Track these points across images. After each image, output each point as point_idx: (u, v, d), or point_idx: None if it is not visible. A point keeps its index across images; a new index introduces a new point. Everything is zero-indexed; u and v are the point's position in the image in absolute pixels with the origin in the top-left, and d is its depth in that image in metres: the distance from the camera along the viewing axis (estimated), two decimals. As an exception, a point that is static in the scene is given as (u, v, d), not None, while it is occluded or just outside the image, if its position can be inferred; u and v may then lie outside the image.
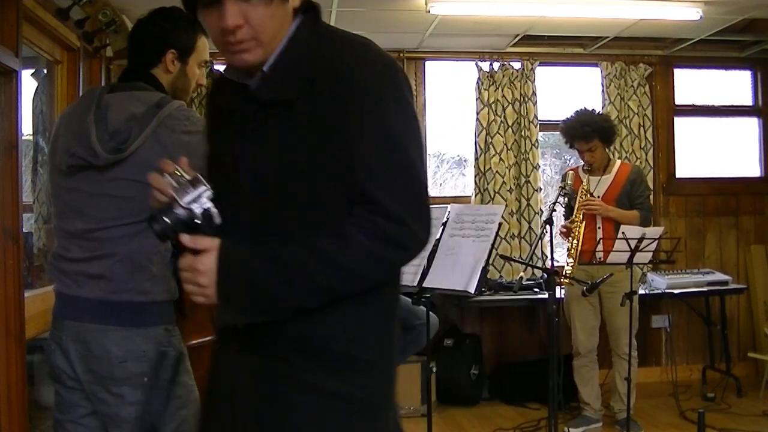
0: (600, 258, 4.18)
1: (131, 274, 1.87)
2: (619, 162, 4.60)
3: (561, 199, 4.07)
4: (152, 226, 1.26)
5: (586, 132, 4.32)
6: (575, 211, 4.31)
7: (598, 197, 4.35)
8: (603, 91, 5.66)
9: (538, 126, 5.55)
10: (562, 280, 4.06)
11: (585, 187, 4.34)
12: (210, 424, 1.48)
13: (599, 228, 4.34)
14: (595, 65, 5.70)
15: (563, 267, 4.19)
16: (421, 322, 4.21)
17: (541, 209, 5.49)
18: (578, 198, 4.32)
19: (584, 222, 4.29)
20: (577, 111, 4.48)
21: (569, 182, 4.16)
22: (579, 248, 4.23)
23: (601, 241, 4.23)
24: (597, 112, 4.57)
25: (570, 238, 4.28)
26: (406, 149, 1.31)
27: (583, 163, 4.49)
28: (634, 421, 4.27)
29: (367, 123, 1.28)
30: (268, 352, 1.34)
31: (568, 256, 4.25)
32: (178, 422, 1.92)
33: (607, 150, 4.50)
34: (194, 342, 2.09)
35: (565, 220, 4.45)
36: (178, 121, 1.89)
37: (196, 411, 1.94)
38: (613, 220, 4.28)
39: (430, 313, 3.56)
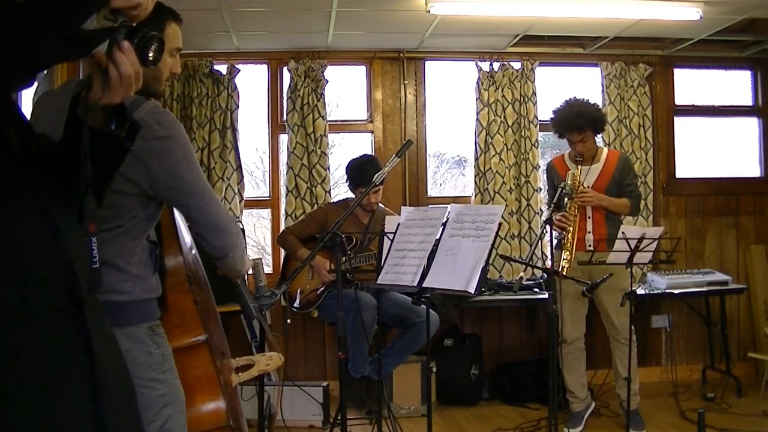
0: (590, 245, 4.18)
1: (110, 276, 1.86)
2: (606, 150, 4.57)
3: (564, 200, 4.05)
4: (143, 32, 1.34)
5: (580, 123, 4.27)
6: (569, 204, 4.28)
7: (588, 187, 4.34)
8: (603, 91, 5.66)
9: (538, 126, 5.55)
10: (560, 275, 4.03)
11: (578, 179, 4.32)
12: None
13: (589, 218, 4.33)
14: (595, 65, 5.70)
15: (558, 260, 4.18)
16: (421, 320, 4.21)
17: (541, 209, 5.49)
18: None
19: (578, 214, 4.31)
20: (568, 101, 4.41)
21: (569, 182, 4.15)
22: (575, 240, 4.23)
23: (592, 230, 4.26)
24: (587, 101, 4.45)
25: (565, 231, 4.25)
26: None
27: (568, 151, 4.46)
28: (639, 415, 4.30)
29: None
30: None
31: (563, 249, 4.22)
32: (162, 421, 1.91)
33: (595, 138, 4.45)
34: (182, 343, 2.08)
35: (555, 209, 4.35)
36: (149, 127, 1.84)
37: (182, 410, 1.94)
38: (603, 208, 4.31)
39: (430, 311, 3.54)
